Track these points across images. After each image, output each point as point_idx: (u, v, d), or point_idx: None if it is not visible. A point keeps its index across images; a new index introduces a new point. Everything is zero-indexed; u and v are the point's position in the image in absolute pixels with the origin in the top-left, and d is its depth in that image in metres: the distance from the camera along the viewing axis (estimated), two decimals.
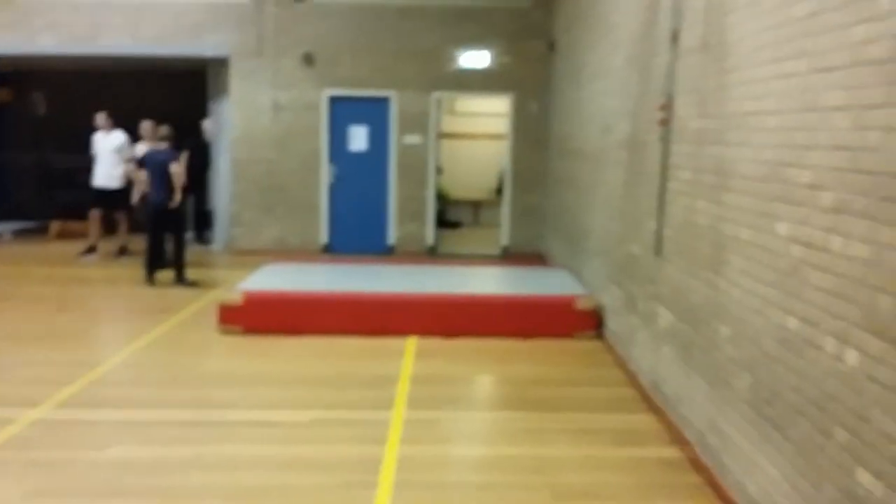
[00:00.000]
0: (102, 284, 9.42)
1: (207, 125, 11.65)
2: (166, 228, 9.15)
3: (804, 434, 3.19)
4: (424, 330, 7.14)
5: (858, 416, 2.82)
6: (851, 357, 2.88)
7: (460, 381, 6.17)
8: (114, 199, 10.64)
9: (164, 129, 9.29)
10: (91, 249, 10.77)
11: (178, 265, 9.12)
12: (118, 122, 10.70)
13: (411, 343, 6.94)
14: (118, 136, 10.61)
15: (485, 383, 6.21)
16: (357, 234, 11.61)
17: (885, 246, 2.69)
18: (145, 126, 10.03)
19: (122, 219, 10.80)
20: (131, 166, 10.16)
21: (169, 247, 9.24)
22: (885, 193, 2.72)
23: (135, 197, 9.94)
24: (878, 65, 2.81)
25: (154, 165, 9.03)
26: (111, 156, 10.55)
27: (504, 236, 11.86)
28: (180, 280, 9.08)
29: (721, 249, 4.21)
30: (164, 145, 9.19)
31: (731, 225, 4.08)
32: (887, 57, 2.75)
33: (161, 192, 8.99)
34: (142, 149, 9.98)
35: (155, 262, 9.18)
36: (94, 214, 10.74)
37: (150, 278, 9.11)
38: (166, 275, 9.18)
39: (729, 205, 4.14)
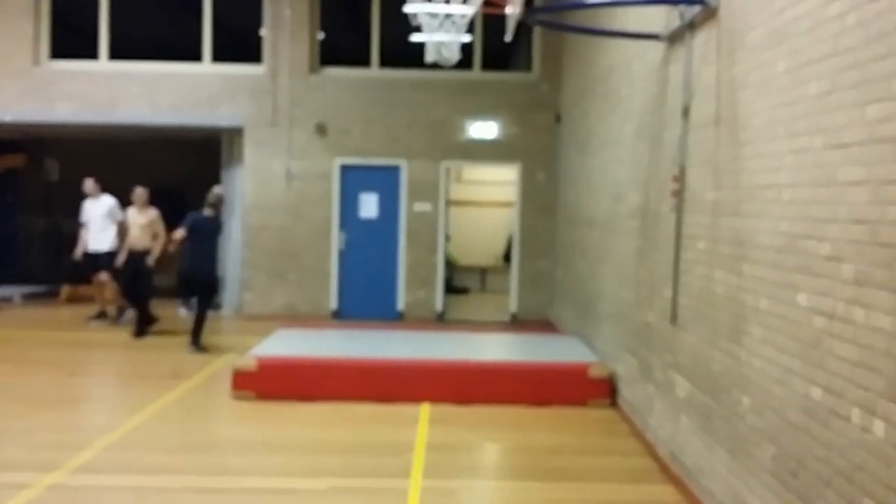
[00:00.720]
0: (114, 349, 9.43)
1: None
2: (198, 295, 9.15)
3: None
4: (437, 397, 7.14)
5: (888, 486, 2.83)
6: (879, 428, 2.90)
7: (476, 449, 6.16)
8: (99, 262, 10.59)
9: (213, 196, 9.14)
10: (101, 315, 10.79)
11: (197, 330, 9.11)
12: (130, 188, 10.81)
13: (425, 410, 6.93)
14: (107, 202, 10.70)
15: (501, 452, 6.18)
16: (366, 299, 11.69)
17: None
18: (138, 192, 10.05)
19: (107, 281, 10.64)
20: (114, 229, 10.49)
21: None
22: None
23: (119, 259, 10.08)
24: (894, 143, 2.90)
25: (203, 234, 8.92)
26: (100, 221, 10.62)
27: (513, 303, 11.92)
28: (194, 344, 9.07)
29: (741, 319, 4.26)
30: (210, 212, 9.07)
31: (751, 295, 4.14)
32: None
33: (204, 261, 8.93)
34: (136, 213, 10.05)
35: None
36: (98, 279, 10.75)
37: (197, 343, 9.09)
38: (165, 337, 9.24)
39: (748, 275, 4.21)
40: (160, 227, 9.94)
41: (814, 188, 3.50)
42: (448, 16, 6.78)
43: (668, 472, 5.41)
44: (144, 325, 9.92)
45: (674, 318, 5.45)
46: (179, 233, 8.87)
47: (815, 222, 3.46)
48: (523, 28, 5.74)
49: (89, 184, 10.72)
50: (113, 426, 6.28)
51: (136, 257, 9.86)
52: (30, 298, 12.99)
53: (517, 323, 11.61)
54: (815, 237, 3.46)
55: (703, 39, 5.13)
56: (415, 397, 7.13)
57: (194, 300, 9.39)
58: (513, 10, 5.62)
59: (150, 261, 9.87)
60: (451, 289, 13.43)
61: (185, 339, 9.20)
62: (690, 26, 5.34)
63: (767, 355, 3.89)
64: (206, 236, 8.97)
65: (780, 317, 3.78)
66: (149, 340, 9.69)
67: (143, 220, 9.96)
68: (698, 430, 4.88)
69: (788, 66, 3.81)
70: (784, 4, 3.89)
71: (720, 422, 4.50)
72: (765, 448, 3.87)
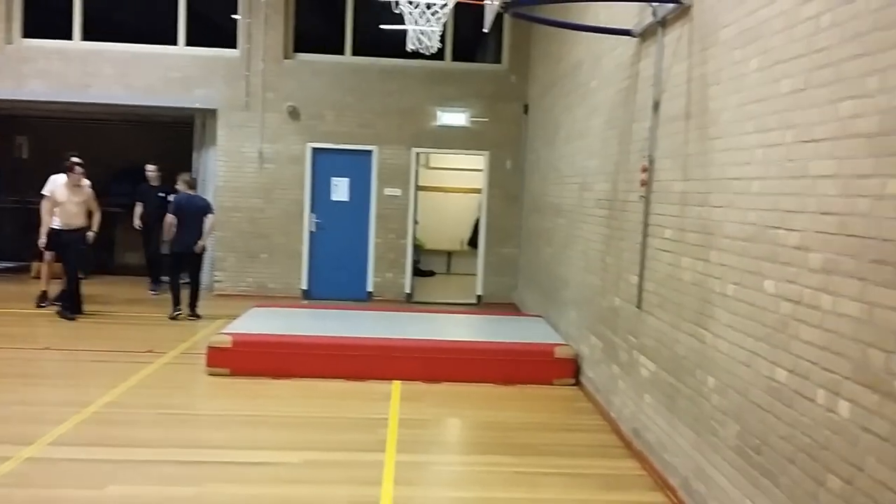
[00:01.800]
0: (87, 324, 9.38)
1: (150, 170, 11.68)
2: (189, 269, 9.85)
3: (796, 481, 3.38)
4: (408, 375, 7.30)
5: (852, 464, 2.99)
6: (844, 408, 3.07)
7: (447, 425, 6.36)
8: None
9: (191, 178, 10.15)
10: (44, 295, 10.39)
11: (195, 301, 9.92)
12: (101, 167, 10.66)
13: (396, 387, 7.09)
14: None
15: (471, 428, 6.37)
16: (336, 280, 11.82)
17: (877, 305, 2.92)
18: (77, 170, 9.53)
19: (49, 261, 10.29)
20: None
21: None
22: (875, 256, 2.95)
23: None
24: (866, 138, 3.05)
25: (194, 211, 9.65)
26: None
27: (479, 286, 12.14)
28: (193, 314, 9.86)
29: (707, 304, 4.47)
30: (192, 192, 9.98)
31: (718, 281, 4.34)
32: (876, 131, 2.99)
33: (193, 237, 9.60)
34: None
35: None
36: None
37: (177, 312, 9.80)
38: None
39: (715, 262, 4.40)
40: (94, 205, 9.78)
41: (783, 181, 3.67)
42: (429, 6, 6.89)
43: (631, 448, 5.65)
44: (78, 300, 9.73)
45: (640, 303, 5.67)
46: (170, 218, 9.62)
47: (784, 213, 3.63)
48: (494, 20, 5.89)
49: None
50: (89, 400, 6.31)
51: (76, 235, 9.63)
52: (0, 274, 12.83)
53: (483, 305, 11.83)
54: (783, 227, 3.64)
55: (675, 36, 5.29)
56: (386, 375, 7.28)
57: (164, 279, 10.02)
58: (491, 2, 5.75)
59: (90, 238, 9.75)
60: (418, 271, 13.58)
61: (162, 317, 9.65)
62: (663, 23, 5.51)
63: (733, 339, 4.10)
64: (193, 214, 9.63)
65: (746, 302, 3.97)
66: (123, 317, 9.73)
67: (78, 198, 9.62)
68: (662, 408, 5.10)
69: (761, 63, 3.97)
70: (757, 4, 4.06)
71: (684, 401, 4.73)
72: (729, 426, 4.09)
